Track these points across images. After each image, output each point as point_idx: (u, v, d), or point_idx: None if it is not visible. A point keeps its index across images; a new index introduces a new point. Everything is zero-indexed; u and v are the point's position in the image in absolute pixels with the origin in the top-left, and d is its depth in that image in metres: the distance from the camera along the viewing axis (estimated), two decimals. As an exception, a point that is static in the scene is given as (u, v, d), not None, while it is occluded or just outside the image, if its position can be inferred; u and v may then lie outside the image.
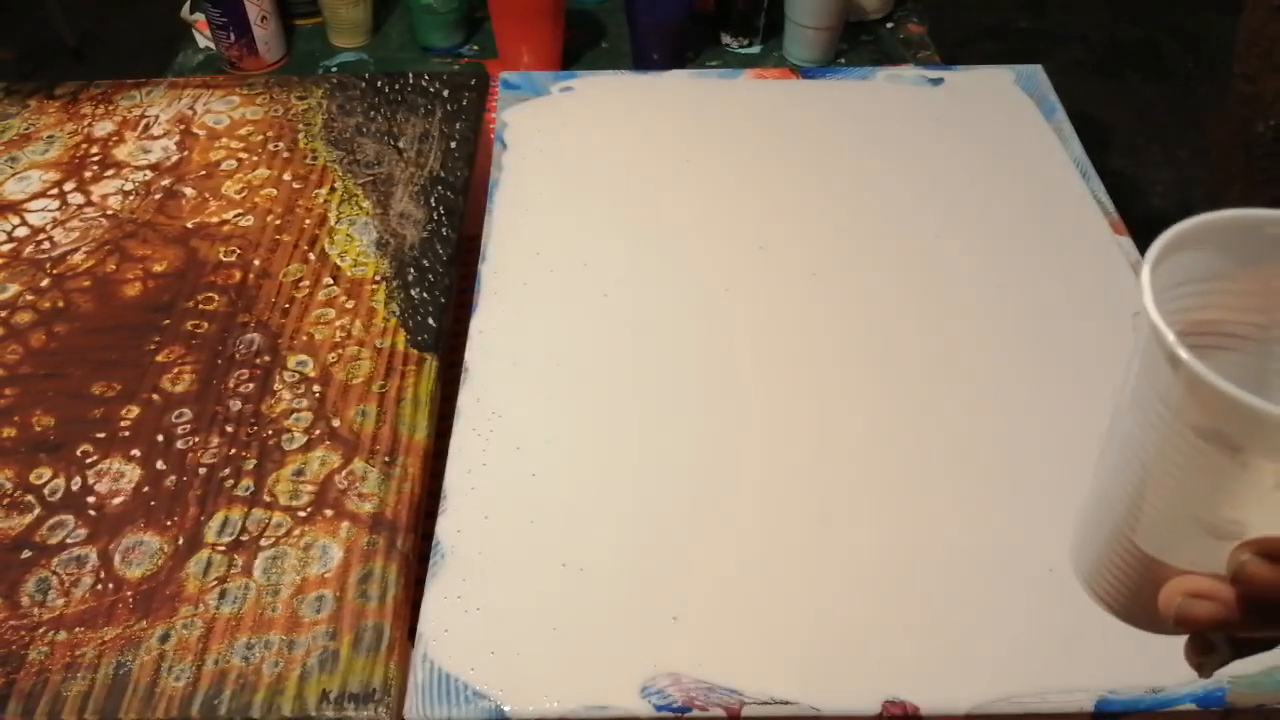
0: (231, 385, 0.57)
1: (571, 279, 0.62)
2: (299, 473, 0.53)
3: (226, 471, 0.53)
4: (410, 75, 0.78)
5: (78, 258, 0.65)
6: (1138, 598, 0.34)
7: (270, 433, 0.55)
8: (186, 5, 1.03)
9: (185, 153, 0.72)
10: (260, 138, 0.73)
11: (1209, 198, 0.69)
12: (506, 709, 0.44)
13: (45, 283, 0.63)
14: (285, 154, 0.72)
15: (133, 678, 0.45)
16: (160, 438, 0.55)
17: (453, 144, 0.72)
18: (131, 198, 0.69)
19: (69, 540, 0.50)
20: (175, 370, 0.58)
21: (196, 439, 0.55)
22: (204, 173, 0.71)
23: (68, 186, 0.70)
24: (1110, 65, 2.15)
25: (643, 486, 0.52)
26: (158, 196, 0.69)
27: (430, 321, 0.61)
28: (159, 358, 0.59)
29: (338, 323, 0.61)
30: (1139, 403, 0.31)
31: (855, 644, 0.46)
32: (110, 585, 0.49)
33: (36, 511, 0.52)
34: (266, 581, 0.49)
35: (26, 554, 0.50)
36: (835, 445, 0.53)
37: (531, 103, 0.75)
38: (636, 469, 0.53)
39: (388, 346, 0.59)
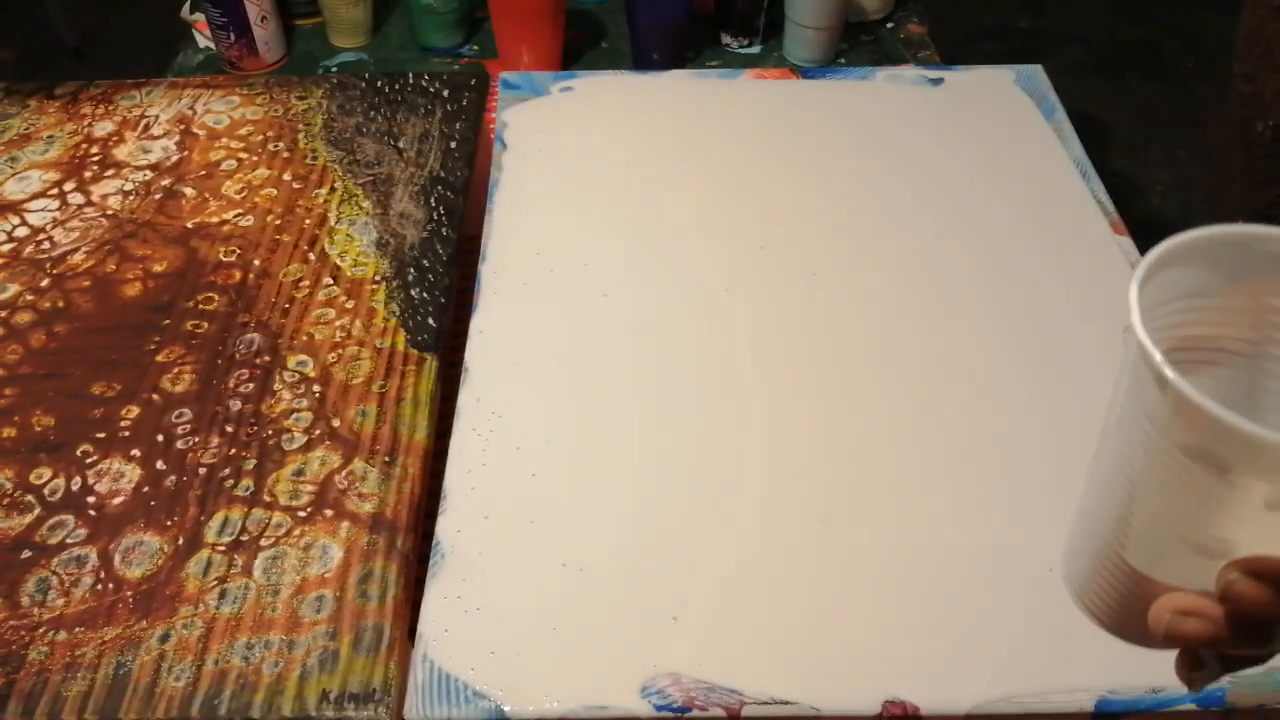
0: (231, 385, 0.57)
1: (571, 279, 0.62)
2: (299, 473, 0.53)
3: (226, 471, 0.53)
4: (410, 75, 0.78)
5: (78, 258, 0.65)
6: (1127, 612, 0.34)
7: (270, 433, 0.55)
8: (186, 5, 1.03)
9: (185, 153, 0.72)
10: (260, 138, 0.73)
11: (1209, 197, 0.69)
12: (506, 709, 0.44)
13: (45, 283, 0.63)
14: (285, 154, 0.72)
15: (133, 678, 0.45)
16: (160, 438, 0.55)
17: (453, 144, 0.72)
18: (131, 198, 0.69)
19: (69, 540, 0.50)
20: (175, 370, 0.58)
21: (196, 439, 0.55)
22: (204, 173, 0.71)
23: (68, 186, 0.70)
24: (1110, 65, 2.15)
25: (643, 486, 0.52)
26: (158, 196, 0.69)
27: (430, 321, 0.61)
28: (159, 358, 0.59)
29: (338, 323, 0.61)
30: (1127, 420, 0.31)
31: (855, 644, 0.46)
32: (110, 585, 0.49)
33: (36, 511, 0.52)
34: (266, 581, 0.49)
35: (26, 554, 0.50)
36: (835, 445, 0.53)
37: (531, 103, 0.75)
38: (636, 469, 0.52)
39: (388, 346, 0.59)
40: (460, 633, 0.46)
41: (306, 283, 0.63)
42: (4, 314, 0.61)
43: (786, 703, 0.44)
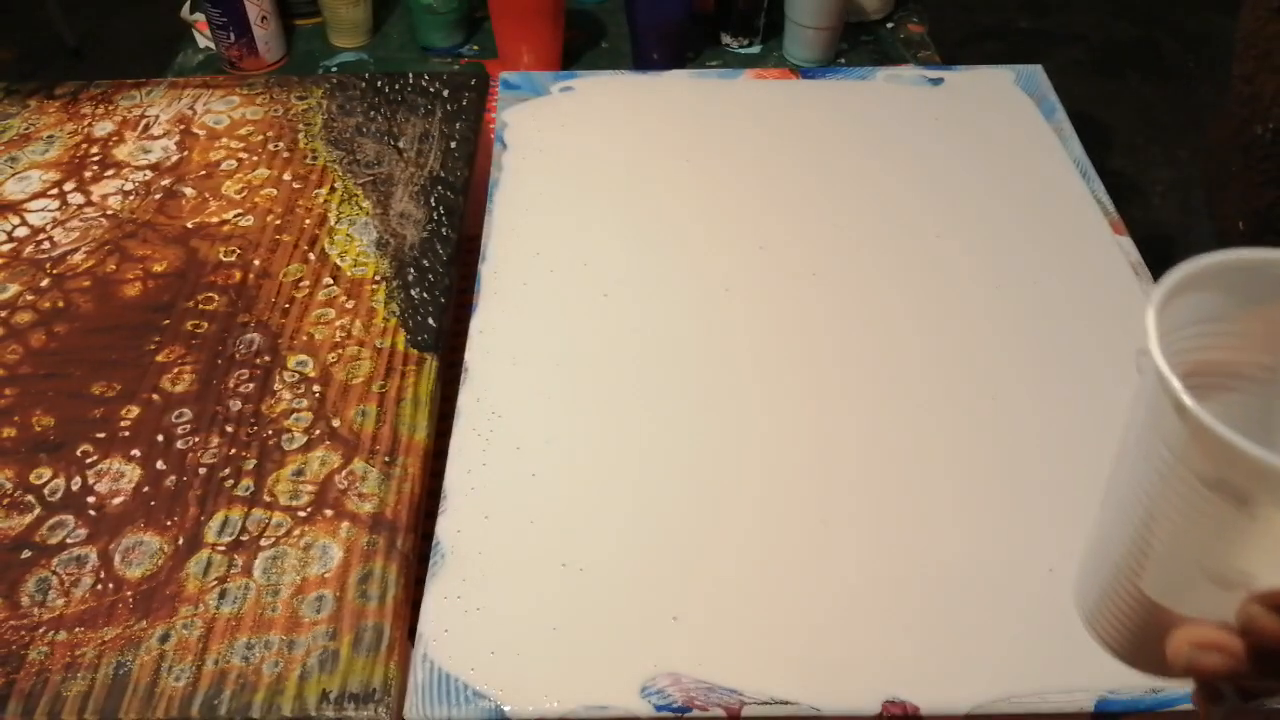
0: (231, 385, 0.57)
1: (571, 279, 0.62)
2: (299, 473, 0.53)
3: (226, 471, 0.53)
4: (410, 75, 0.78)
5: (78, 258, 0.65)
6: (1141, 641, 0.34)
7: (270, 433, 0.55)
8: (186, 5, 1.03)
9: (185, 153, 0.72)
10: (260, 138, 0.73)
11: (1208, 198, 0.69)
12: (506, 709, 0.44)
13: (45, 283, 0.63)
14: (285, 154, 0.72)
15: (133, 678, 0.45)
16: (160, 438, 0.55)
17: (453, 144, 0.72)
18: (131, 198, 0.69)
19: (69, 540, 0.50)
20: (175, 370, 0.58)
21: (196, 439, 0.55)
22: (204, 173, 0.71)
23: (68, 186, 0.70)
24: (1110, 65, 2.15)
25: (643, 486, 0.52)
26: (158, 196, 0.69)
27: (430, 321, 0.61)
28: (159, 358, 0.59)
29: (338, 323, 0.61)
30: (1144, 448, 0.31)
31: (855, 644, 0.46)
32: (110, 585, 0.48)
33: (36, 511, 0.52)
34: (266, 581, 0.49)
35: (26, 554, 0.50)
36: (835, 445, 0.53)
37: (531, 103, 0.75)
38: (637, 469, 0.52)
39: (388, 346, 0.59)
40: (460, 633, 0.46)
41: (306, 283, 0.63)
42: (4, 314, 0.61)
43: (786, 703, 0.44)
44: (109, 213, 0.68)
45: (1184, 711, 0.44)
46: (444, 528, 0.50)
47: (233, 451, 0.54)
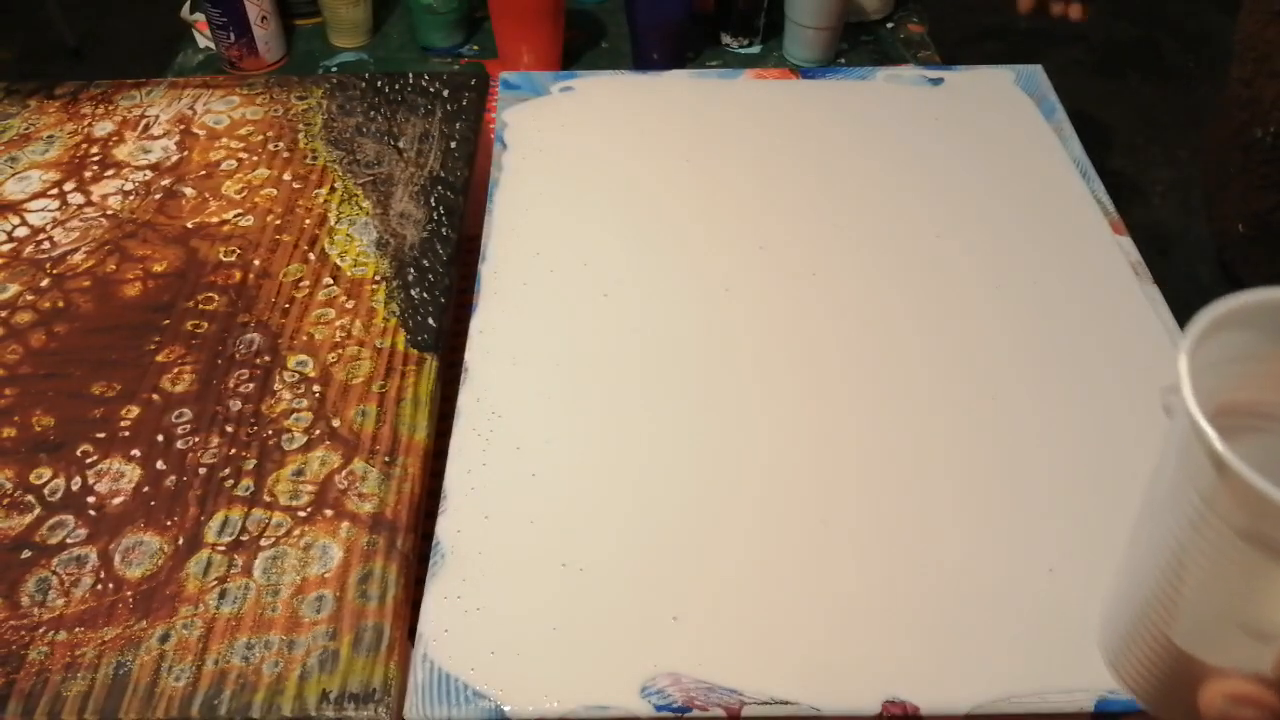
0: (231, 385, 0.57)
1: (571, 279, 0.62)
2: (299, 473, 0.53)
3: (226, 471, 0.53)
4: (410, 75, 0.78)
5: (78, 258, 0.65)
6: (1169, 690, 0.33)
7: (270, 433, 0.55)
8: (186, 5, 1.03)
9: (185, 153, 0.72)
10: (260, 138, 0.73)
11: (1207, 200, 0.69)
12: (506, 709, 0.44)
13: (45, 283, 0.63)
14: (285, 154, 0.72)
15: (133, 678, 0.45)
16: (160, 438, 0.55)
17: (453, 144, 0.72)
18: (131, 198, 0.69)
19: (69, 540, 0.50)
20: (175, 370, 0.58)
21: (196, 439, 0.55)
22: (204, 173, 0.71)
23: (68, 186, 0.70)
24: (1110, 65, 2.15)
25: (643, 486, 0.52)
26: (158, 196, 0.69)
27: (430, 321, 0.61)
28: (159, 358, 0.59)
29: (338, 323, 0.61)
30: (1176, 497, 0.30)
31: (855, 644, 0.46)
32: (110, 585, 0.49)
33: (36, 511, 0.52)
34: (266, 581, 0.49)
35: (26, 554, 0.50)
36: (835, 445, 0.53)
37: (531, 103, 0.75)
38: (637, 469, 0.53)
39: (388, 346, 0.59)
40: (460, 633, 0.46)
41: (306, 283, 0.63)
42: (4, 314, 0.61)
43: (786, 703, 0.44)
44: (109, 213, 0.68)
45: (1184, 711, 0.44)
46: (444, 528, 0.50)
47: (233, 451, 0.54)
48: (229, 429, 0.55)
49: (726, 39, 1.02)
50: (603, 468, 0.53)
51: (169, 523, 0.51)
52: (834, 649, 0.45)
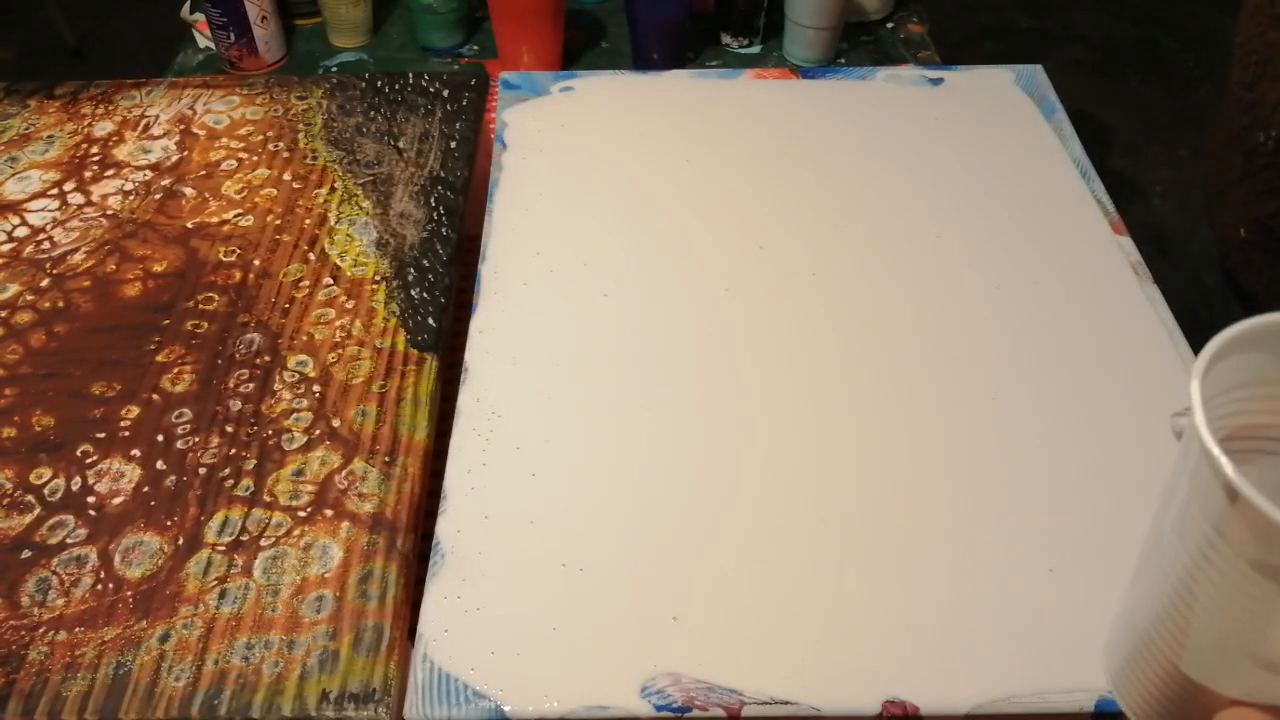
0: (231, 385, 0.57)
1: (571, 279, 0.62)
2: (299, 473, 0.53)
3: (226, 471, 0.53)
4: (410, 75, 0.78)
5: (78, 258, 0.65)
6: (1175, 719, 0.32)
7: (270, 433, 0.55)
8: (186, 5, 1.03)
9: (185, 153, 0.72)
10: (260, 138, 0.73)
11: (1206, 203, 0.69)
12: (506, 709, 0.44)
13: (45, 283, 0.63)
14: (285, 154, 0.72)
15: (133, 678, 0.45)
16: (160, 438, 0.55)
17: (453, 144, 0.72)
18: (131, 198, 0.69)
19: (69, 540, 0.50)
20: (175, 370, 0.58)
21: (196, 439, 0.55)
22: (204, 173, 0.71)
23: (68, 186, 0.70)
24: (1110, 65, 2.15)
25: (643, 486, 0.52)
26: (158, 196, 0.69)
27: (430, 321, 0.61)
28: (159, 358, 0.59)
29: (338, 323, 0.61)
30: (1187, 525, 0.30)
31: (855, 644, 0.46)
32: (110, 585, 0.49)
33: (36, 511, 0.52)
34: (266, 581, 0.49)
35: (26, 554, 0.50)
36: (835, 445, 0.53)
37: (531, 103, 0.75)
38: (637, 469, 0.53)
39: (388, 346, 0.59)
40: (460, 633, 0.46)
41: (306, 283, 0.63)
42: (4, 314, 0.61)
43: (786, 703, 0.44)
44: (109, 213, 0.68)
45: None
46: (444, 528, 0.50)
47: (233, 451, 0.54)
48: (229, 429, 0.55)
49: (726, 39, 1.02)
50: (603, 468, 0.53)
51: (169, 523, 0.51)
52: (834, 649, 0.45)
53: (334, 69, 1.01)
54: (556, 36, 0.95)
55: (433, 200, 0.68)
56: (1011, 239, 0.64)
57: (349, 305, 0.61)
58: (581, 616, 0.47)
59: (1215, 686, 0.31)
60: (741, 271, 0.63)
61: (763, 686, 0.44)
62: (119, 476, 0.53)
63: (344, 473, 0.53)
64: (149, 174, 0.71)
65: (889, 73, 0.78)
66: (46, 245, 0.66)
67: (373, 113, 0.75)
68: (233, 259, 0.65)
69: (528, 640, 0.46)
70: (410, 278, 0.63)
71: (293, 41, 1.04)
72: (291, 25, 1.05)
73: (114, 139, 0.73)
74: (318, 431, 0.55)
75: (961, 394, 0.56)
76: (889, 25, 1.05)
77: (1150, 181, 1.89)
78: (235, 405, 0.56)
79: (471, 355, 0.58)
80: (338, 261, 0.64)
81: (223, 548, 0.50)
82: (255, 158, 0.72)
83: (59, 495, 0.52)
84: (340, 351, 0.59)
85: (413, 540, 0.51)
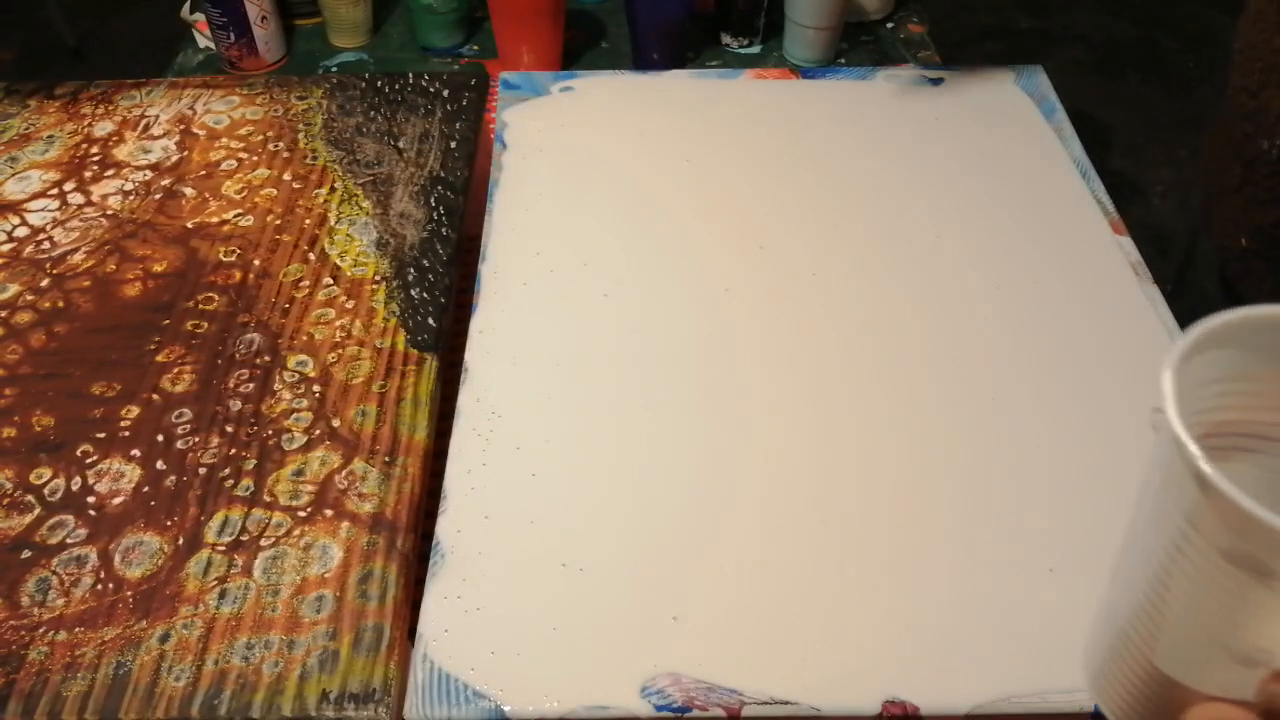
0: (231, 385, 0.57)
1: (571, 279, 0.62)
2: (299, 473, 0.53)
3: (226, 471, 0.53)
4: (410, 75, 0.78)
5: (78, 258, 0.65)
6: (1151, 716, 0.32)
7: (270, 433, 0.55)
8: (186, 5, 1.03)
9: (185, 153, 0.72)
10: (260, 138, 0.73)
11: (1205, 209, 0.68)
12: (506, 709, 0.44)
13: (45, 283, 0.63)
14: (285, 154, 0.72)
15: (133, 678, 0.45)
16: (160, 438, 0.55)
17: (453, 144, 0.72)
18: (131, 198, 0.69)
19: (69, 540, 0.50)
20: (175, 370, 0.58)
21: (196, 439, 0.55)
22: (204, 173, 0.71)
23: (68, 186, 0.70)
24: (1110, 65, 2.15)
25: (643, 486, 0.52)
26: (158, 196, 0.69)
27: (430, 321, 0.61)
28: (159, 358, 0.59)
29: (338, 323, 0.61)
30: (1160, 518, 0.29)
31: (855, 644, 0.46)
32: (110, 585, 0.49)
33: (36, 511, 0.52)
34: (266, 581, 0.49)
35: (26, 554, 0.50)
36: (835, 445, 0.53)
37: (531, 103, 0.75)
38: (637, 469, 0.53)
39: (388, 346, 0.59)
40: (460, 633, 0.46)
41: (306, 283, 0.63)
42: (4, 314, 0.61)
43: (786, 703, 0.44)
44: (109, 213, 0.68)
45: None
46: (444, 528, 0.50)
47: (233, 451, 0.54)
48: (229, 429, 0.55)
49: (726, 39, 1.02)
50: (603, 468, 0.53)
51: (169, 523, 0.51)
52: (834, 649, 0.45)
53: (334, 69, 1.01)
54: (556, 36, 0.95)
55: (433, 200, 0.68)
56: (1011, 239, 0.64)
57: (349, 305, 0.61)
58: (581, 616, 0.47)
59: (1187, 681, 0.31)
60: (741, 271, 0.63)
61: (763, 686, 0.44)
62: (119, 476, 0.53)
63: (344, 473, 0.53)
64: (149, 174, 0.71)
65: (889, 73, 0.78)
66: (46, 245, 0.66)
67: (373, 113, 0.75)
68: (233, 259, 0.65)
69: (528, 640, 0.46)
70: (410, 278, 0.63)
71: (293, 41, 1.03)
72: (291, 25, 1.05)
73: (114, 139, 0.73)
74: (318, 431, 0.55)
75: (961, 394, 0.56)
76: (889, 25, 1.05)
77: (1150, 181, 1.89)
78: (235, 405, 0.56)
79: (471, 355, 0.58)
80: (338, 261, 0.64)
81: (223, 548, 0.50)
82: (255, 158, 0.72)
83: (59, 495, 0.52)
84: (340, 351, 0.59)
85: (413, 540, 0.51)
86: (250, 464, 0.53)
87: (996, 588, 0.48)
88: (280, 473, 0.53)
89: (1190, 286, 0.73)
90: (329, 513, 0.51)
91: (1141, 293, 0.61)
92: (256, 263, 0.64)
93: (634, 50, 0.98)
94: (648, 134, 0.73)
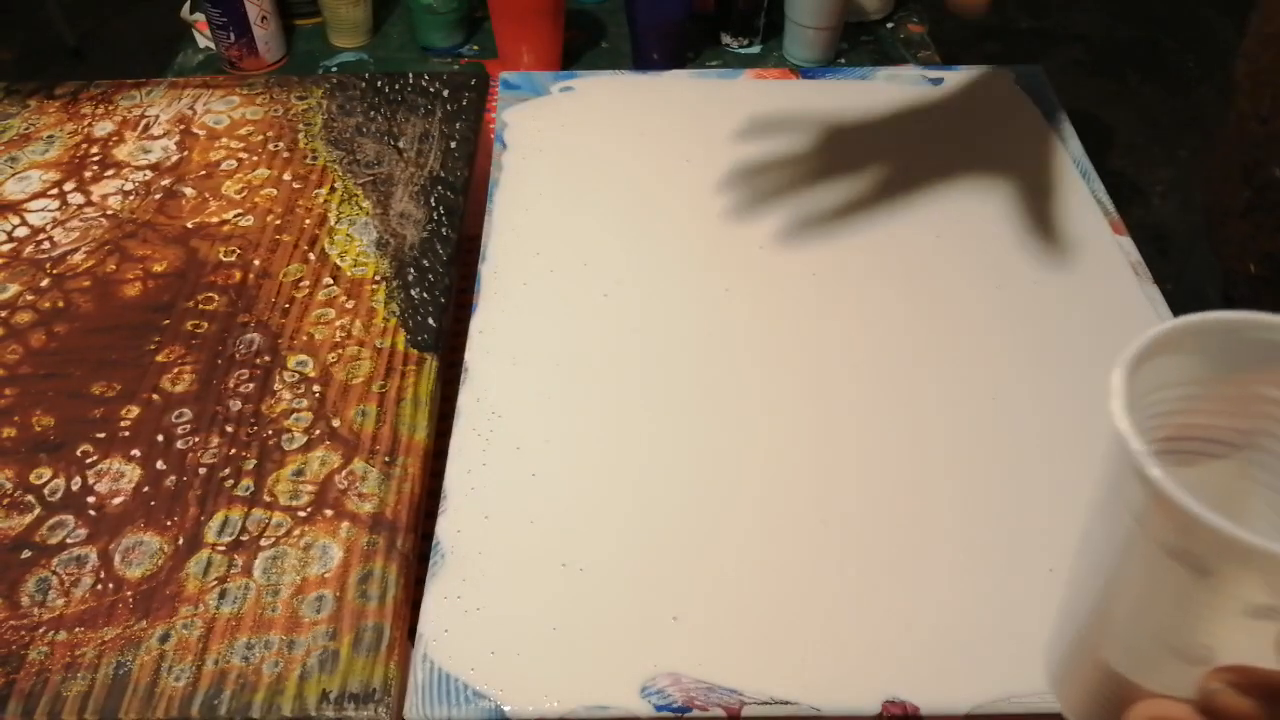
0: (231, 385, 0.57)
1: (571, 279, 0.62)
2: (299, 473, 0.53)
3: (226, 471, 0.53)
4: (410, 75, 0.78)
5: (78, 258, 0.65)
6: (1103, 714, 0.32)
7: (270, 433, 0.55)
8: (186, 5, 1.03)
9: (185, 153, 0.72)
10: (260, 138, 0.73)
11: (1209, 231, 0.68)
12: (506, 709, 0.44)
13: (45, 283, 0.63)
14: (285, 154, 0.72)
15: (133, 678, 0.45)
16: (160, 438, 0.55)
17: (453, 144, 0.72)
18: (131, 198, 0.69)
19: (69, 540, 0.50)
20: (175, 370, 0.58)
21: (196, 439, 0.55)
22: (204, 173, 0.71)
23: (68, 186, 0.70)
24: (1110, 65, 2.15)
25: (643, 486, 0.52)
26: (158, 196, 0.69)
27: (430, 321, 0.61)
28: (159, 358, 0.59)
29: (338, 323, 0.61)
30: (1108, 514, 0.30)
31: (855, 644, 0.46)
32: (110, 585, 0.49)
33: (36, 511, 0.52)
34: (266, 581, 0.49)
35: (26, 554, 0.50)
36: (835, 445, 0.53)
37: (531, 103, 0.75)
38: (637, 469, 0.53)
39: (388, 346, 0.59)
40: (460, 633, 0.46)
41: (306, 283, 0.63)
42: (4, 314, 0.61)
43: (786, 703, 0.44)
44: (109, 213, 0.68)
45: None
46: (444, 528, 0.50)
47: (233, 451, 0.54)
48: (229, 429, 0.55)
49: (726, 39, 1.02)
50: (603, 468, 0.53)
51: (169, 523, 0.51)
52: (834, 649, 0.45)
53: (334, 69, 1.01)
54: (556, 36, 0.95)
55: (433, 200, 0.68)
56: (1011, 239, 0.64)
57: (349, 305, 0.61)
58: (581, 616, 0.47)
59: (1136, 679, 0.31)
60: (741, 271, 0.63)
61: (763, 686, 0.44)
62: (119, 476, 0.53)
63: (344, 473, 0.53)
64: (149, 174, 0.71)
65: (889, 73, 0.78)
66: (46, 245, 0.66)
67: (373, 113, 0.75)
68: (233, 259, 0.65)
69: (528, 640, 0.46)
70: (410, 278, 0.63)
71: (293, 41, 1.03)
72: (291, 25, 1.05)
73: (114, 139, 0.73)
74: (318, 431, 0.55)
75: (961, 394, 0.56)
76: (889, 25, 1.05)
77: (1150, 181, 1.89)
78: (235, 405, 0.56)
79: (471, 355, 0.58)
80: (338, 261, 0.64)
81: (223, 548, 0.50)
82: (255, 158, 0.72)
83: (59, 495, 0.52)
84: (340, 351, 0.59)
85: (413, 540, 0.51)
86: (250, 464, 0.53)
87: (996, 588, 0.48)
88: (280, 473, 0.53)
89: (1192, 293, 0.72)
90: (329, 513, 0.51)
91: (1141, 293, 0.61)
92: (256, 263, 0.64)
93: (634, 50, 0.98)
94: (648, 134, 0.73)
